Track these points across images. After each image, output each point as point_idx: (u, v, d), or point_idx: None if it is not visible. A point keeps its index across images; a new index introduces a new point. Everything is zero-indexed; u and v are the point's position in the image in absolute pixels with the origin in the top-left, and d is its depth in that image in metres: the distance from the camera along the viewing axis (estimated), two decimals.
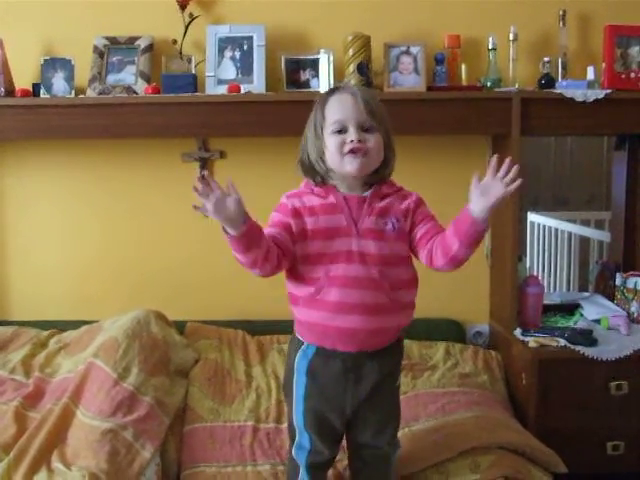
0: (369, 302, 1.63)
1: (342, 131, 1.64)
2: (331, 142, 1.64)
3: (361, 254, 1.64)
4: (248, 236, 1.53)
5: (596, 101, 2.45)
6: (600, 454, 2.39)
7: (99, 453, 1.99)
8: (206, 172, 1.47)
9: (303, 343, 1.73)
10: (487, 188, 1.53)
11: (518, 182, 1.51)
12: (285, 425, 2.02)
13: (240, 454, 2.09)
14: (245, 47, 2.63)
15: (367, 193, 1.69)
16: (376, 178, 1.71)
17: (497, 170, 1.54)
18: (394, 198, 1.70)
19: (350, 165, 1.63)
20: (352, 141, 1.62)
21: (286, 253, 1.64)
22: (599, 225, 3.67)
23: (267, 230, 1.64)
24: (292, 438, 1.81)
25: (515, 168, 1.51)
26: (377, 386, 1.72)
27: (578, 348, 2.37)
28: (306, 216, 1.67)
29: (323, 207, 1.67)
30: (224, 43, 2.63)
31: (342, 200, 1.67)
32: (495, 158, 1.54)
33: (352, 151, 1.62)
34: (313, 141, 1.68)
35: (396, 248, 1.67)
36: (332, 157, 1.65)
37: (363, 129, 1.64)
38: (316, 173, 1.70)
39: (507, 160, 1.53)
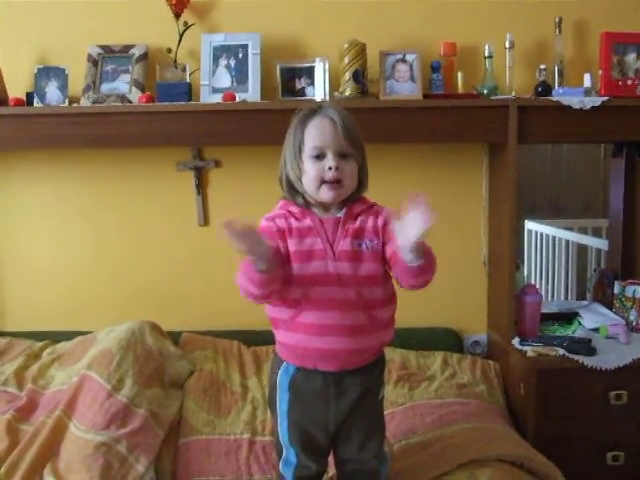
0: (348, 323, 1.64)
1: (320, 157, 1.65)
2: (310, 168, 1.65)
3: (338, 276, 1.64)
4: (276, 261, 1.56)
5: (593, 108, 2.43)
6: (600, 465, 2.37)
7: (92, 467, 1.96)
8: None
9: (284, 361, 1.74)
10: (403, 227, 1.46)
11: (427, 225, 1.42)
12: None
13: (236, 468, 2.07)
14: (240, 55, 2.61)
15: (341, 214, 1.70)
16: (350, 198, 1.71)
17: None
18: (367, 216, 1.71)
19: (326, 194, 1.66)
20: (330, 168, 1.63)
21: (286, 267, 1.65)
22: (596, 233, 3.65)
23: None
24: (279, 454, 1.81)
25: (425, 209, 1.42)
26: (359, 400, 1.72)
27: (577, 357, 2.35)
28: (288, 237, 1.67)
29: (299, 230, 1.68)
30: (219, 51, 2.62)
31: (318, 222, 1.68)
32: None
33: (330, 181, 1.63)
34: (292, 161, 1.69)
35: (372, 268, 1.67)
36: (309, 183, 1.66)
37: (340, 155, 1.65)
38: (297, 193, 1.71)
39: (420, 199, 1.44)
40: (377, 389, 1.79)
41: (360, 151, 1.69)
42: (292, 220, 1.69)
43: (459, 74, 2.62)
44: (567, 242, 3.74)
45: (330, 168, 1.63)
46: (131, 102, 2.56)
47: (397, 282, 1.69)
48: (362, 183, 1.72)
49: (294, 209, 1.71)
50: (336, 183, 1.64)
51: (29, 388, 2.37)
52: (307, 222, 1.68)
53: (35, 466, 1.98)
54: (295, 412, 1.73)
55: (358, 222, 1.69)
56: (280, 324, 1.70)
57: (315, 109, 1.69)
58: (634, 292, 2.64)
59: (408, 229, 1.45)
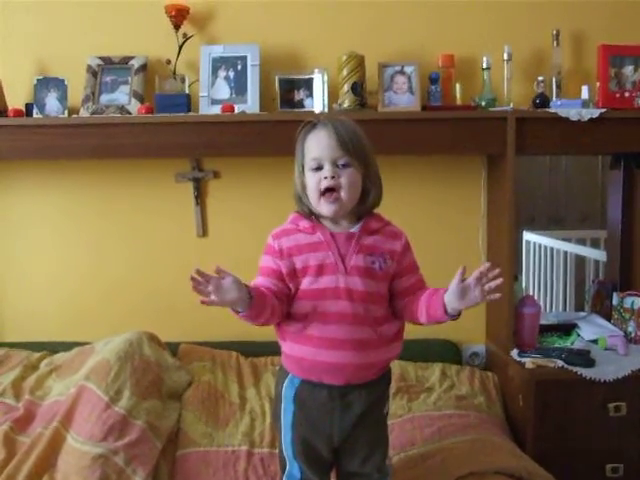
0: (357, 338, 1.64)
1: (319, 168, 1.65)
2: (310, 180, 1.66)
3: (348, 291, 1.64)
4: (256, 307, 1.57)
5: (591, 120, 2.44)
6: (599, 477, 2.36)
7: (89, 479, 1.94)
8: (197, 269, 1.51)
9: (290, 373, 1.74)
10: (466, 291, 1.53)
11: (497, 295, 1.50)
12: None
13: None
14: (239, 67, 2.62)
15: (355, 229, 1.69)
16: (363, 210, 1.71)
17: (482, 276, 1.52)
18: (382, 235, 1.71)
19: (326, 208, 1.65)
20: (326, 178, 1.63)
21: (285, 300, 1.66)
22: (595, 244, 3.65)
23: (262, 280, 1.66)
24: (282, 468, 1.80)
25: (499, 281, 1.50)
26: (364, 414, 1.71)
27: (575, 369, 2.35)
28: (295, 255, 1.67)
29: (310, 245, 1.67)
30: (218, 63, 2.63)
31: (329, 237, 1.68)
32: (486, 265, 1.52)
33: (328, 190, 1.63)
34: (297, 176, 1.70)
35: (381, 286, 1.69)
36: (311, 195, 1.67)
37: (337, 165, 1.64)
38: (305, 207, 1.71)
39: (496, 270, 1.51)
40: (382, 403, 1.78)
41: (363, 160, 1.67)
42: (300, 235, 1.69)
43: (457, 86, 2.63)
44: (565, 253, 3.74)
45: (326, 177, 1.63)
46: (130, 113, 2.57)
47: (400, 313, 1.71)
48: (368, 193, 1.69)
49: (304, 223, 1.70)
50: (334, 194, 1.63)
51: (26, 399, 2.36)
52: (318, 236, 1.68)
53: (32, 478, 1.96)
54: (299, 424, 1.72)
55: (372, 239, 1.69)
56: (287, 336, 1.70)
57: (315, 123, 1.70)
58: (632, 303, 2.64)
59: (472, 293, 1.52)
